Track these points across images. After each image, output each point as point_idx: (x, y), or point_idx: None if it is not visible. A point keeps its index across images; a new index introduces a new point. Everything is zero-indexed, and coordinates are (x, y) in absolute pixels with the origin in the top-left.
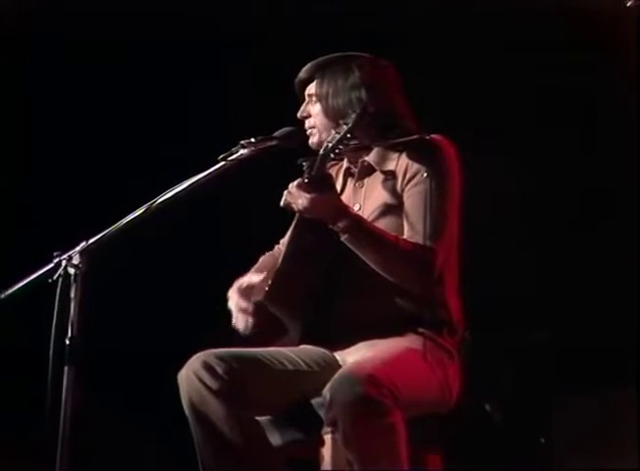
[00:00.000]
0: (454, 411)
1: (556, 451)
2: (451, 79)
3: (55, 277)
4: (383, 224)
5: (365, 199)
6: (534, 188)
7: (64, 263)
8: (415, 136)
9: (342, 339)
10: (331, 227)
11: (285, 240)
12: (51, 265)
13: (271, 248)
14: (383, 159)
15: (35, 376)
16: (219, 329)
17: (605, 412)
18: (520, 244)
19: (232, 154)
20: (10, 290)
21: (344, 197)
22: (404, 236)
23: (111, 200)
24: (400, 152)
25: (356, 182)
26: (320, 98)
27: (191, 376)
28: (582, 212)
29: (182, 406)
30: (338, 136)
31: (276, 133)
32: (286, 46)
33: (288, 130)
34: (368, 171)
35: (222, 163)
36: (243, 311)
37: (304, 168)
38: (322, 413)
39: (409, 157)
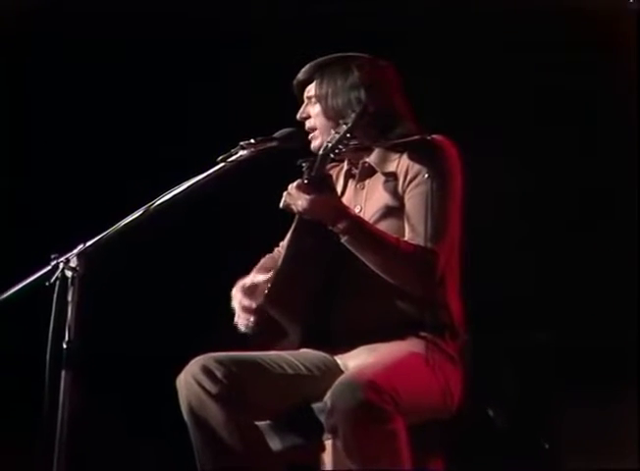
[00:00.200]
0: (457, 416)
1: (560, 456)
2: (450, 79)
3: (52, 280)
4: (384, 226)
5: (366, 201)
6: (534, 188)
7: (61, 266)
8: (416, 137)
9: (342, 342)
10: (331, 228)
11: (285, 243)
12: (48, 268)
13: (271, 250)
14: (384, 160)
15: (33, 380)
16: (218, 332)
17: (605, 413)
18: (520, 244)
19: (231, 155)
20: (6, 294)
21: (344, 199)
22: (405, 238)
23: (110, 201)
24: (402, 153)
25: (357, 183)
26: (319, 99)
27: (190, 380)
28: (582, 212)
29: (180, 411)
30: (337, 136)
31: (276, 134)
32: (285, 46)
33: (288, 130)
34: (369, 172)
35: (221, 164)
36: (246, 309)
37: (304, 169)
38: (322, 418)
39: (410, 158)
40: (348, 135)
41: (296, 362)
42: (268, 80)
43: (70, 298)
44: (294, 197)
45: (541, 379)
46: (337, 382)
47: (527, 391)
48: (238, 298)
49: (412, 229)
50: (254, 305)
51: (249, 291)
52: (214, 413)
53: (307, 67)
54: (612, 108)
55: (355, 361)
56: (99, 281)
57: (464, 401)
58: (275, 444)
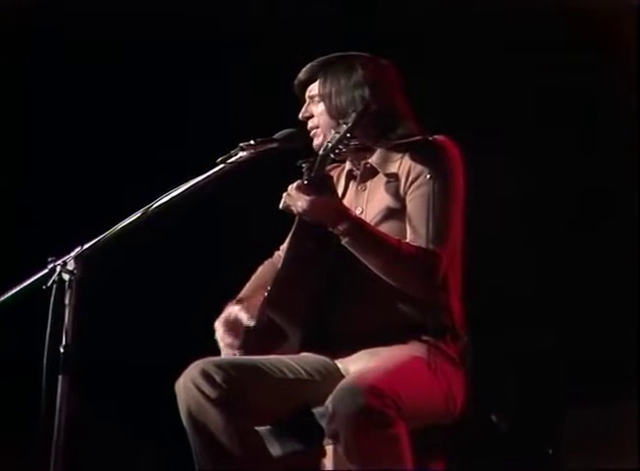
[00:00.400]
0: (459, 421)
1: (562, 460)
2: (450, 80)
3: (49, 283)
4: (386, 228)
5: (368, 203)
6: (534, 188)
7: (58, 269)
8: (418, 137)
9: (343, 346)
10: (331, 230)
11: (285, 246)
12: (45, 271)
13: (271, 254)
14: (385, 161)
15: (29, 385)
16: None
17: (605, 414)
18: (520, 245)
19: (231, 157)
20: (3, 297)
21: (346, 201)
22: (407, 240)
23: (108, 202)
24: (403, 154)
25: (358, 184)
26: (323, 97)
27: (189, 384)
28: (582, 212)
29: (179, 415)
30: (337, 136)
31: (276, 135)
32: (286, 46)
33: (288, 131)
34: (371, 173)
35: (221, 166)
36: (229, 346)
37: (304, 169)
38: (323, 423)
39: (412, 158)
40: (349, 135)
41: (297, 366)
42: (268, 81)
43: (67, 302)
44: (294, 198)
45: (543, 382)
46: (338, 387)
47: (529, 394)
48: (219, 334)
49: (414, 230)
50: (236, 343)
51: (231, 327)
52: (213, 418)
53: (309, 66)
54: (612, 108)
55: (356, 365)
56: (97, 284)
57: (467, 405)
58: (275, 449)
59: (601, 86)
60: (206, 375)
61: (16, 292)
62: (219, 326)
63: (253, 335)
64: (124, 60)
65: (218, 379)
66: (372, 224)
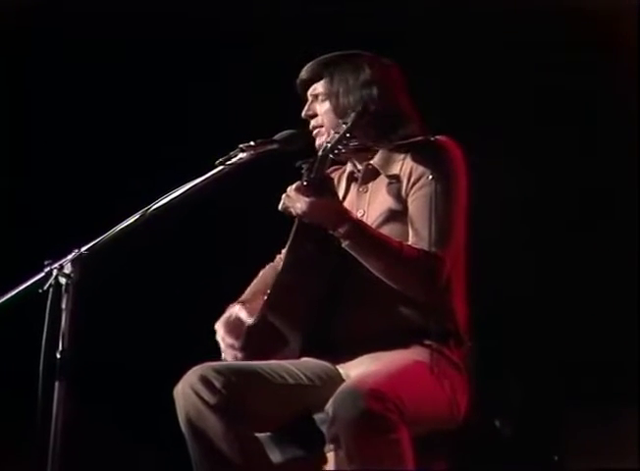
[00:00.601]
0: (463, 426)
1: (566, 465)
2: (450, 80)
3: (46, 287)
4: (387, 230)
5: (369, 205)
6: (533, 189)
7: (55, 272)
8: (420, 138)
9: (344, 351)
10: (331, 232)
11: (285, 250)
12: (41, 274)
13: (272, 258)
14: (387, 162)
15: (25, 390)
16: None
17: (605, 414)
18: (520, 245)
19: (230, 158)
20: None
21: (347, 203)
22: (409, 243)
23: (107, 202)
24: (405, 154)
25: (360, 186)
26: (329, 96)
27: (188, 390)
28: (582, 212)
29: (178, 422)
30: (337, 136)
31: (276, 137)
32: (286, 46)
33: (288, 132)
34: (372, 175)
35: (220, 167)
36: (230, 347)
37: (303, 170)
38: (324, 429)
39: (414, 159)
40: (348, 135)
41: (297, 371)
42: (268, 81)
43: (64, 306)
44: (294, 200)
45: (550, 389)
46: (338, 390)
47: (537, 404)
48: (220, 334)
49: (416, 233)
50: (237, 344)
51: (232, 327)
52: (213, 424)
53: (312, 65)
54: (612, 108)
55: (358, 370)
56: (94, 287)
57: (470, 411)
58: (275, 456)
59: (601, 86)
60: (205, 380)
61: (12, 296)
62: (220, 327)
63: (254, 335)
64: (124, 60)
65: (217, 384)
66: (374, 226)
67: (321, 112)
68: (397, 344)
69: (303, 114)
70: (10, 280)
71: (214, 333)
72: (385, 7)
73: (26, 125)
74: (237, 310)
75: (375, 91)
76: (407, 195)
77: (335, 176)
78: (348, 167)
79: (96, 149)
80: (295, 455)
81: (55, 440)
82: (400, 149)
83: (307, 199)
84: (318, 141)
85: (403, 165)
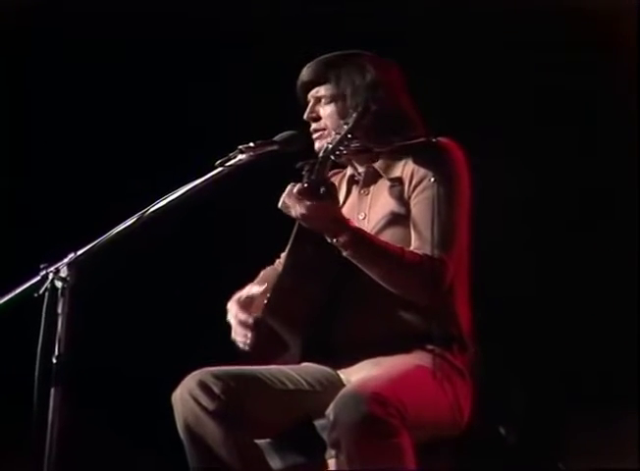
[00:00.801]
0: (466, 433)
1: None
2: (450, 80)
3: (41, 291)
4: (390, 233)
5: (371, 208)
6: (533, 189)
7: (51, 276)
8: (421, 139)
9: (345, 356)
10: (331, 242)
11: (285, 253)
12: (37, 278)
13: (272, 261)
14: (389, 165)
15: (21, 396)
16: (216, 345)
17: (605, 414)
18: (520, 245)
19: (229, 159)
20: None
21: (348, 206)
22: (412, 247)
23: (106, 203)
24: (407, 156)
25: (361, 189)
26: (335, 99)
27: (186, 396)
28: (582, 212)
29: (176, 428)
30: (338, 137)
31: (276, 138)
32: (286, 46)
33: (288, 134)
34: (374, 178)
35: (219, 169)
36: (243, 324)
37: (304, 172)
38: (325, 436)
39: (415, 162)
40: (350, 136)
41: (298, 377)
42: (268, 81)
43: (60, 310)
44: (293, 202)
45: (550, 392)
46: (339, 394)
47: (538, 406)
48: (233, 312)
49: (419, 236)
50: (251, 320)
51: (245, 305)
52: (211, 431)
53: (313, 66)
54: (612, 108)
55: (359, 375)
56: (91, 291)
57: (474, 417)
58: (275, 463)
59: (601, 86)
60: (204, 386)
61: (7, 300)
62: (232, 305)
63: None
64: (124, 60)
65: (216, 390)
66: (376, 229)
67: (325, 115)
68: (399, 349)
69: (306, 116)
70: (10, 280)
71: (213, 337)
72: (385, 7)
73: (27, 125)
74: (247, 289)
75: (379, 92)
76: (409, 198)
77: (335, 179)
78: (349, 171)
79: (96, 149)
80: (296, 462)
81: (51, 446)
82: (401, 151)
83: (307, 202)
84: (319, 144)
85: (405, 167)
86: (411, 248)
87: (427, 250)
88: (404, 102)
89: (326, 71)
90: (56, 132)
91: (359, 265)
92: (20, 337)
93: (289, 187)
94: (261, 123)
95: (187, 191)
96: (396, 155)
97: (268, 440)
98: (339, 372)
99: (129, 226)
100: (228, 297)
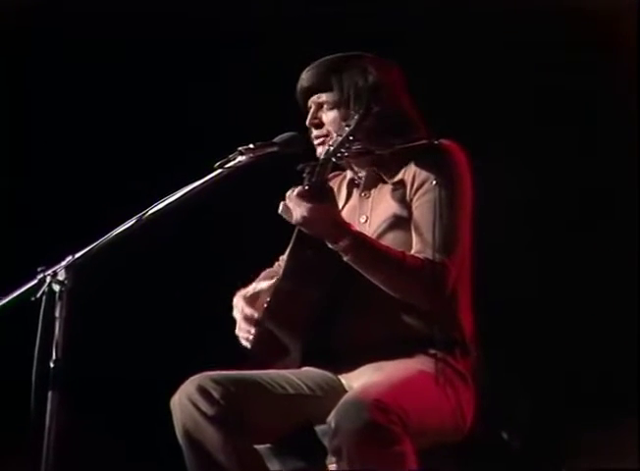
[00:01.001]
0: (469, 438)
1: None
2: (450, 80)
3: (38, 294)
4: (392, 236)
5: (372, 210)
6: (533, 189)
7: (48, 279)
8: (423, 141)
9: (346, 360)
10: (332, 247)
11: (284, 257)
12: (34, 281)
13: (272, 264)
14: (390, 167)
15: (18, 401)
16: (215, 349)
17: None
18: (519, 246)
19: (229, 161)
20: None
21: (349, 209)
22: (413, 250)
23: (105, 203)
24: (408, 159)
25: (362, 192)
26: (338, 105)
27: (185, 401)
28: (582, 212)
29: (175, 433)
30: (339, 139)
31: (276, 139)
32: (286, 46)
33: (288, 135)
34: (375, 180)
35: (219, 170)
36: (248, 319)
37: (304, 174)
38: (326, 442)
39: (417, 164)
40: (351, 138)
41: (298, 381)
42: (269, 82)
43: (57, 314)
44: (294, 205)
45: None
46: (341, 401)
47: (542, 411)
48: (239, 307)
49: (420, 240)
50: (256, 315)
51: (251, 300)
52: (210, 436)
53: (315, 71)
54: (612, 108)
55: (360, 380)
56: (89, 295)
57: (477, 423)
58: (275, 468)
59: (601, 86)
60: (203, 391)
61: (3, 304)
62: (239, 299)
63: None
64: (124, 60)
65: (216, 395)
66: (378, 232)
67: (327, 121)
68: (400, 353)
69: (308, 122)
70: (9, 280)
71: (212, 341)
72: (385, 7)
73: (27, 125)
74: (256, 284)
75: (380, 93)
76: (411, 201)
77: (335, 182)
78: (349, 174)
79: (95, 149)
80: (296, 467)
81: (48, 451)
82: (402, 153)
83: (308, 205)
84: (321, 151)
85: (407, 169)
86: (413, 252)
87: (429, 254)
88: (406, 103)
89: (327, 76)
90: (56, 133)
91: (360, 270)
92: (17, 341)
93: (289, 192)
94: (261, 124)
95: (187, 193)
96: (397, 157)
97: (268, 445)
98: (340, 376)
99: (127, 228)
100: (227, 301)
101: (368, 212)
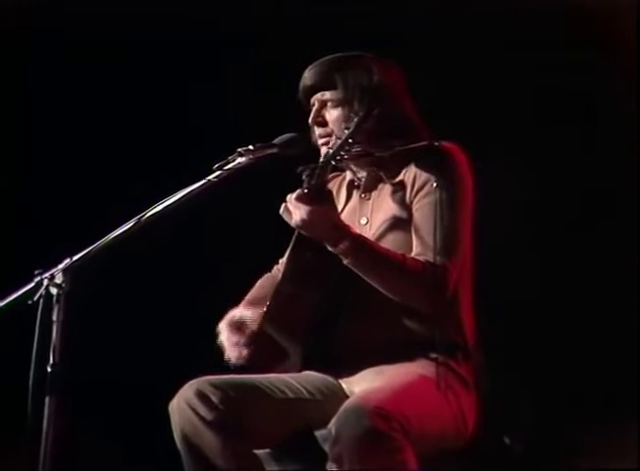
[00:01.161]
0: (471, 444)
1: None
2: (449, 80)
3: (36, 298)
4: (392, 238)
5: (372, 212)
6: (533, 189)
7: (45, 282)
8: (424, 143)
9: (347, 364)
10: (331, 249)
11: (284, 259)
12: (32, 284)
13: (270, 268)
14: (390, 169)
15: (15, 405)
16: (214, 353)
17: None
18: (519, 246)
19: (228, 163)
20: None
21: (349, 211)
22: (414, 253)
23: (105, 203)
24: (409, 160)
25: (362, 193)
26: (342, 103)
27: (184, 405)
28: (582, 212)
29: (173, 438)
30: (339, 142)
31: (276, 140)
32: (286, 46)
33: (288, 136)
34: (375, 182)
35: (218, 172)
36: (235, 345)
37: (304, 176)
38: (326, 447)
39: (418, 166)
40: (351, 141)
41: (298, 385)
42: (269, 82)
43: (55, 317)
44: (293, 208)
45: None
46: (342, 408)
47: (545, 415)
48: (225, 335)
49: (421, 242)
50: (242, 341)
51: (236, 327)
52: (209, 441)
53: (318, 69)
54: (612, 108)
55: (361, 385)
56: (86, 298)
57: (478, 427)
58: None
59: (601, 86)
60: (202, 395)
61: (0, 307)
62: (223, 327)
63: (256, 342)
64: (124, 60)
65: (214, 399)
66: (378, 234)
67: (331, 119)
68: (401, 357)
69: (311, 120)
70: (9, 280)
71: (211, 345)
72: (385, 7)
73: (27, 125)
74: (240, 310)
75: (381, 95)
76: (412, 203)
77: (334, 183)
78: (348, 175)
79: (95, 149)
80: None
81: (45, 455)
82: (403, 155)
83: (307, 207)
84: (325, 150)
85: (407, 171)
86: (413, 254)
87: (429, 256)
88: (407, 105)
89: (331, 74)
90: (56, 133)
91: (360, 273)
92: (14, 344)
93: (289, 196)
94: (261, 124)
95: (186, 195)
96: (397, 159)
97: (267, 450)
98: (340, 380)
99: (125, 231)
100: (226, 304)
101: (369, 214)
